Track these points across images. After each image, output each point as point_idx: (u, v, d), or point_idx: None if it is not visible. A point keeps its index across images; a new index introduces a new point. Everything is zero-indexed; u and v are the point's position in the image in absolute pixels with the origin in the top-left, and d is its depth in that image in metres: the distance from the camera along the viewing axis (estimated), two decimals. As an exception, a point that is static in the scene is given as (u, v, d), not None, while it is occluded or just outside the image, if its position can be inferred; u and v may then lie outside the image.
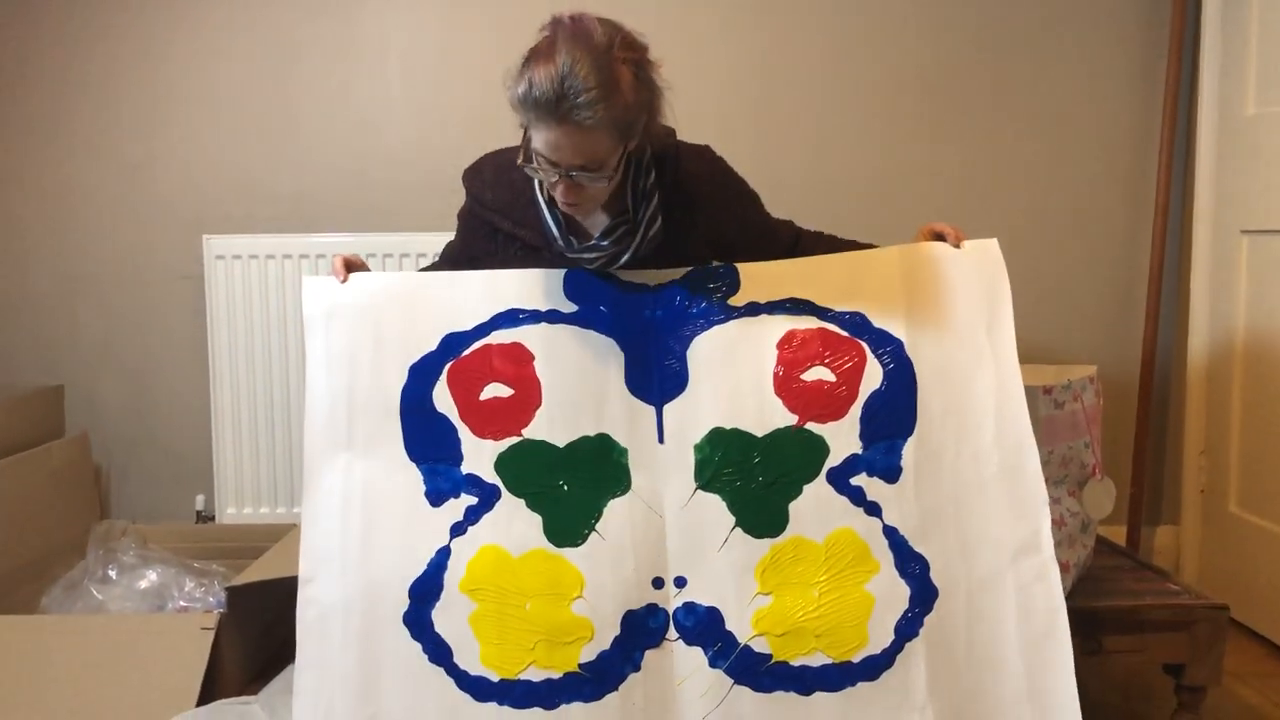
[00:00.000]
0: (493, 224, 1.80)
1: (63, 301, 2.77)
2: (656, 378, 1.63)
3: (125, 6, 2.68)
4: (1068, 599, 1.85)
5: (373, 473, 1.61)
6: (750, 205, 1.88)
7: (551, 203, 1.69)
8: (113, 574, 2.26)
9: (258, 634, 2.15)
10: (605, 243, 1.72)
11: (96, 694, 1.90)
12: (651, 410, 1.63)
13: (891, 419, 1.61)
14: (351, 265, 1.70)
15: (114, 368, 2.78)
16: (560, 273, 1.67)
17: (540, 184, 1.70)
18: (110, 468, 2.81)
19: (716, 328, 1.65)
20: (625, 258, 1.72)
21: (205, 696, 1.91)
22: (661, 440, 1.62)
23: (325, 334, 1.66)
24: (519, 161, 1.62)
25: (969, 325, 1.65)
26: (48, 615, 2.17)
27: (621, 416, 1.62)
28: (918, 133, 2.73)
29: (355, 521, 1.60)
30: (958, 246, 1.69)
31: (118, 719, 1.86)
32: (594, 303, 1.66)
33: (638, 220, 1.71)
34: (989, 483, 1.60)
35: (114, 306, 2.77)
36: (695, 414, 1.62)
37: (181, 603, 2.21)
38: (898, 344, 1.63)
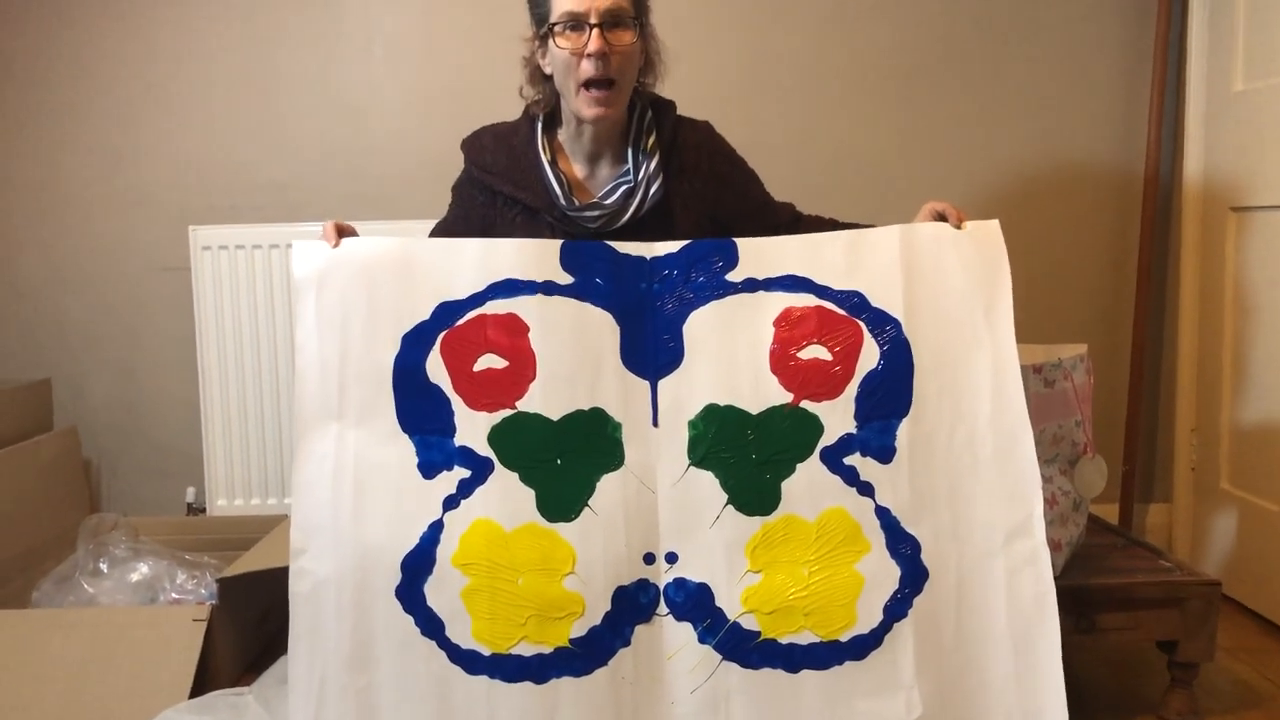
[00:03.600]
0: (492, 188, 1.83)
1: (49, 295, 2.75)
2: (651, 353, 1.63)
3: (107, -4, 2.66)
4: (1060, 577, 1.87)
5: (364, 443, 1.60)
6: (749, 181, 1.92)
7: (554, 162, 1.80)
8: (104, 567, 2.24)
9: (250, 625, 2.14)
10: (608, 201, 1.78)
11: (88, 687, 1.89)
12: (646, 385, 1.62)
13: (887, 399, 1.61)
14: (342, 230, 1.68)
15: (102, 361, 2.77)
16: (556, 244, 1.66)
17: (544, 144, 1.80)
18: (100, 461, 2.80)
19: (714, 303, 1.64)
20: (625, 218, 1.78)
21: (198, 689, 1.90)
22: (656, 417, 1.61)
23: (316, 299, 1.63)
24: (539, 52, 1.77)
25: (968, 307, 1.64)
26: (39, 609, 2.16)
27: (616, 391, 1.61)
28: (907, 114, 2.72)
29: (347, 492, 1.59)
30: (959, 227, 1.67)
31: (110, 712, 1.85)
32: (590, 274, 1.64)
33: (638, 179, 1.78)
34: (983, 465, 1.60)
35: (101, 299, 2.75)
36: (690, 390, 1.61)
37: (173, 595, 2.20)
38: (896, 324, 1.62)
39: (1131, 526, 2.74)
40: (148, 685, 1.89)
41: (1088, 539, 2.04)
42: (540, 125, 1.83)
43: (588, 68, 1.69)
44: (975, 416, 1.61)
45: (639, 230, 1.76)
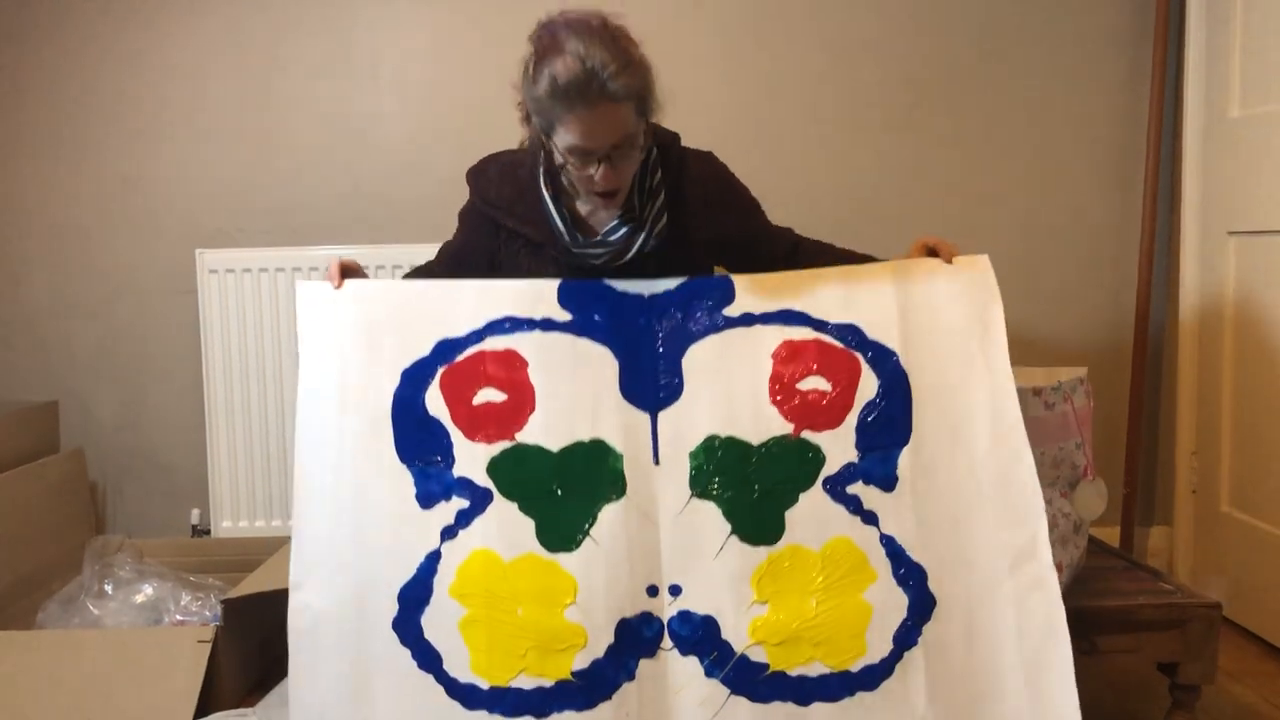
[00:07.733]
0: (497, 220, 1.82)
1: (57, 317, 2.77)
2: (651, 387, 1.64)
3: (117, 22, 2.69)
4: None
5: (363, 475, 1.60)
6: (750, 210, 1.91)
7: (557, 198, 1.75)
8: (109, 588, 2.26)
9: (254, 646, 2.15)
10: (612, 239, 1.75)
11: (94, 709, 1.89)
12: (646, 418, 1.63)
13: (887, 428, 1.62)
14: (347, 270, 1.70)
15: (109, 383, 2.78)
16: (554, 283, 1.68)
17: (547, 181, 1.75)
18: (106, 482, 2.81)
19: (711, 336, 1.66)
20: (630, 254, 1.75)
21: (202, 710, 1.91)
22: (657, 450, 1.62)
23: (318, 337, 1.66)
24: (542, 167, 1.72)
25: (962, 338, 1.66)
26: (44, 630, 2.17)
27: (617, 423, 1.62)
28: (909, 141, 2.74)
29: (346, 524, 1.59)
30: (949, 262, 1.70)
31: (116, 733, 1.86)
32: (588, 312, 1.67)
33: (643, 217, 1.75)
34: (985, 491, 1.60)
35: (108, 322, 2.77)
36: (691, 421, 1.63)
37: (178, 616, 2.21)
38: (893, 355, 1.65)
39: (1132, 549, 2.74)
40: (153, 706, 1.89)
41: (1088, 561, 2.04)
42: (543, 159, 1.77)
43: (596, 182, 1.64)
44: (974, 443, 1.62)
45: (643, 266, 1.74)
